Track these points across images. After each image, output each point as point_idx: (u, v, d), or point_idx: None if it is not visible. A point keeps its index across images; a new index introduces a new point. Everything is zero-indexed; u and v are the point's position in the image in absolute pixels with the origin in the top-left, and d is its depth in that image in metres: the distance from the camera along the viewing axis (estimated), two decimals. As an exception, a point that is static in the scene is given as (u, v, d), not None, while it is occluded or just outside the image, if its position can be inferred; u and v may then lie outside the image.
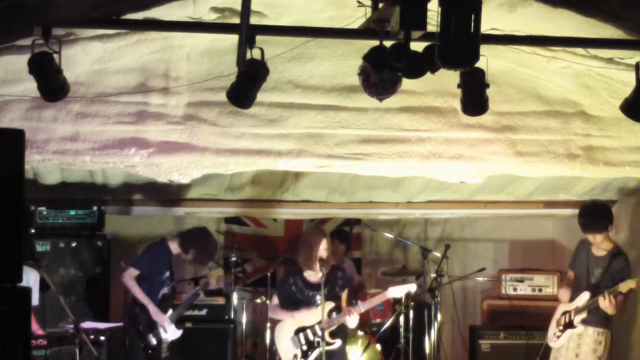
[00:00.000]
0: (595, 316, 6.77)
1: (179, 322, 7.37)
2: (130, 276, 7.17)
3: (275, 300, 6.90)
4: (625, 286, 6.55)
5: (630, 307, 7.93)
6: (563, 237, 9.58)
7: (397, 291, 7.07)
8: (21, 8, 5.16)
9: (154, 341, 7.15)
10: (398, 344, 8.21)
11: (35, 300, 6.62)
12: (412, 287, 7.13)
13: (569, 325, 6.86)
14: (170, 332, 7.25)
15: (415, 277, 8.57)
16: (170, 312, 7.26)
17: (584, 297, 6.80)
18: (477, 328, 8.71)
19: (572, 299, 6.95)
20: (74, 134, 6.70)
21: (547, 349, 7.13)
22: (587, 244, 6.98)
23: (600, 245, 6.87)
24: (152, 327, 7.15)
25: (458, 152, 7.22)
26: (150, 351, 7.13)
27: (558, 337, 6.93)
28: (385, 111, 7.03)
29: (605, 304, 6.50)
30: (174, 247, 7.39)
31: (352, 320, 6.70)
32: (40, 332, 6.67)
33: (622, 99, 6.35)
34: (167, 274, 7.34)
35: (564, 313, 6.95)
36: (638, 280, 6.53)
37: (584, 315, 6.78)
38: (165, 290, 7.33)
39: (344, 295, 6.88)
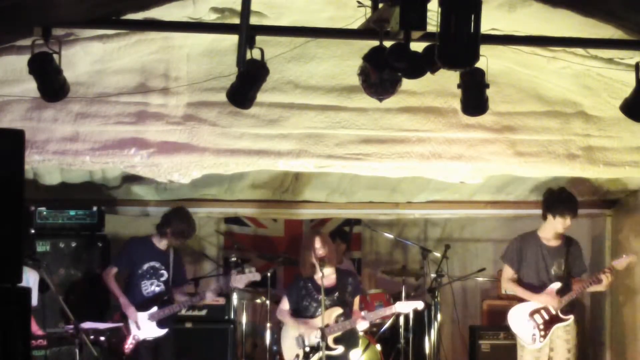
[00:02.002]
0: (572, 305, 6.85)
1: (164, 322, 7.20)
2: (107, 273, 7.21)
3: (286, 304, 6.87)
4: (621, 264, 6.76)
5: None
6: (563, 238, 9.59)
7: (404, 307, 7.06)
8: (21, 8, 5.17)
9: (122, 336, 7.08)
10: (398, 344, 8.22)
11: (34, 300, 6.61)
12: (419, 305, 7.09)
13: (555, 320, 6.82)
14: (145, 330, 7.13)
15: (415, 277, 8.59)
16: (153, 309, 7.16)
17: (555, 288, 6.80)
18: (477, 328, 8.70)
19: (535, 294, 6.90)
20: (74, 134, 6.70)
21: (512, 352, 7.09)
22: (535, 238, 6.95)
23: (553, 235, 6.89)
24: (125, 320, 7.10)
25: (458, 152, 7.22)
26: (111, 346, 7.05)
27: (543, 336, 6.80)
28: (385, 111, 7.02)
29: (608, 280, 6.68)
30: (157, 240, 7.33)
31: (362, 324, 6.72)
32: (39, 332, 6.66)
33: (622, 99, 6.36)
34: (148, 265, 7.23)
35: (536, 311, 6.85)
36: (634, 255, 6.79)
37: (563, 305, 6.80)
38: (155, 286, 7.27)
39: (356, 301, 6.88)
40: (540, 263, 6.91)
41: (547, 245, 6.92)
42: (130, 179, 7.80)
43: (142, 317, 7.13)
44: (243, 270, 7.22)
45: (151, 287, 7.26)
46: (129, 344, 7.07)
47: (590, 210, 9.03)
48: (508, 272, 7.04)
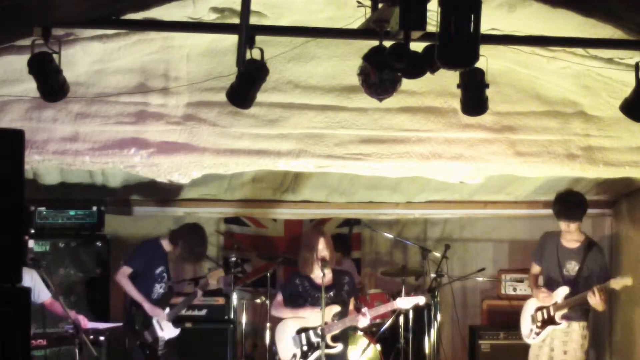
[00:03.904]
0: (576, 311, 6.79)
1: (176, 321, 7.36)
2: (123, 274, 7.20)
3: (280, 297, 6.87)
4: (618, 283, 6.60)
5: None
6: (563, 238, 9.58)
7: (405, 302, 7.03)
8: (21, 8, 5.16)
9: (149, 338, 7.14)
10: (398, 344, 8.21)
11: (46, 295, 6.58)
12: (420, 300, 7.06)
13: (550, 321, 6.82)
14: (167, 330, 7.24)
15: (415, 277, 8.58)
16: (167, 310, 7.26)
17: (562, 292, 6.78)
18: (477, 328, 8.71)
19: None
20: (73, 134, 6.70)
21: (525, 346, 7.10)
22: (555, 236, 6.96)
23: (572, 236, 6.85)
24: (148, 324, 7.15)
25: (458, 152, 7.22)
26: (147, 350, 7.12)
27: (537, 333, 6.88)
28: (385, 111, 7.03)
29: (596, 300, 6.51)
30: (166, 244, 7.42)
31: (363, 321, 6.70)
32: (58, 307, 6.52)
33: (622, 99, 6.35)
34: (160, 269, 7.34)
35: (540, 309, 6.90)
36: (631, 277, 6.59)
37: (564, 310, 6.76)
38: (162, 289, 7.34)
39: (352, 301, 6.87)
40: (553, 262, 6.92)
41: (564, 245, 6.91)
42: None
43: (164, 317, 7.24)
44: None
45: (160, 289, 7.34)
46: (160, 347, 7.12)
47: (590, 210, 9.01)
48: (534, 268, 7.13)
